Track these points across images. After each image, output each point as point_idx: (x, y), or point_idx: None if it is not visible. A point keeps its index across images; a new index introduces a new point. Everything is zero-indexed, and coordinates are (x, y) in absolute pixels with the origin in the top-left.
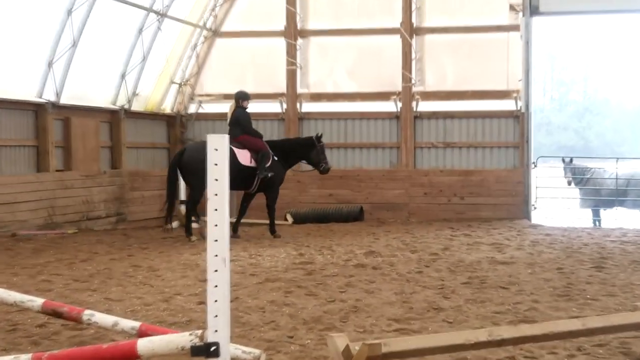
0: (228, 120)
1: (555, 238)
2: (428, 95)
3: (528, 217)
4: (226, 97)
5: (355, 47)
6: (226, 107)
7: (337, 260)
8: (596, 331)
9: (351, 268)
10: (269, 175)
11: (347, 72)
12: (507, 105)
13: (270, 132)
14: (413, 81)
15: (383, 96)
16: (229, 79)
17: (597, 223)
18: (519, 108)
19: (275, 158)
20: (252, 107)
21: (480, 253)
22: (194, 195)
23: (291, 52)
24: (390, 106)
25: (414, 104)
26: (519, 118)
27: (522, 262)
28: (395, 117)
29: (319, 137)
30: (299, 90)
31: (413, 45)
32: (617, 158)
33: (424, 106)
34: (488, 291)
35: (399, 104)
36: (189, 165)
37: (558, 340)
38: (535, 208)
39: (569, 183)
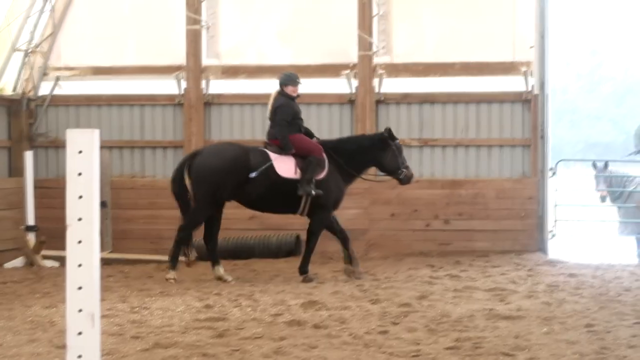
0: (268, 113)
1: (582, 280)
2: (397, 69)
3: (543, 249)
4: (96, 71)
5: None
6: (96, 87)
7: (261, 315)
8: None
9: (282, 327)
10: (313, 192)
11: (279, 35)
12: (513, 83)
13: (163, 124)
14: (375, 48)
15: (330, 70)
16: (100, 46)
17: None
18: (530, 88)
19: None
20: (135, 87)
21: (473, 303)
22: (196, 216)
23: (194, 4)
24: (341, 85)
25: (376, 81)
26: (530, 103)
27: (534, 316)
28: (348, 101)
29: (391, 133)
30: (206, 61)
31: None
32: None
33: (392, 85)
34: (485, 359)
35: (354, 82)
36: (200, 174)
37: None
38: (554, 235)
39: (603, 199)
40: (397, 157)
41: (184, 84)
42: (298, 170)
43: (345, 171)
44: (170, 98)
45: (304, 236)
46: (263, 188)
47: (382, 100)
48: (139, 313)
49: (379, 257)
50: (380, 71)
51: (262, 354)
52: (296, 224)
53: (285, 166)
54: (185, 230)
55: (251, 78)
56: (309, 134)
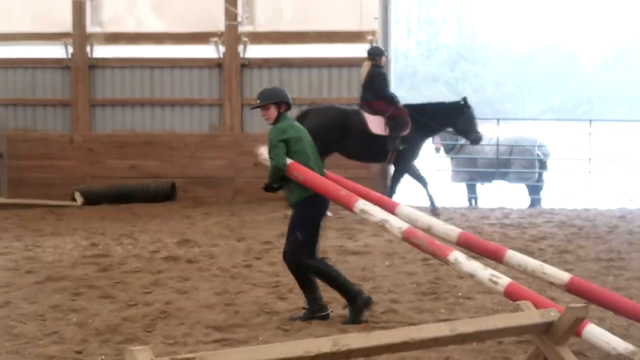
0: (362, 81)
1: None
2: (259, 37)
3: (387, 195)
4: None
5: None
6: None
7: (140, 252)
8: (469, 337)
9: (159, 262)
10: (400, 147)
11: (154, 6)
12: (360, 50)
13: (52, 85)
14: (239, 18)
15: (200, 38)
16: None
17: (472, 201)
18: None
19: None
20: (25, 51)
21: (325, 240)
22: None
23: None
24: (209, 51)
25: (240, 48)
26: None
27: (378, 251)
28: (216, 65)
29: (467, 102)
30: (90, 29)
31: None
32: (499, 119)
33: (254, 51)
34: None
35: (222, 48)
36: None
37: (422, 349)
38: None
39: (437, 150)
40: (470, 122)
41: (70, 50)
42: (387, 128)
43: (425, 129)
44: (58, 62)
45: (179, 183)
46: (360, 142)
47: (247, 65)
48: (32, 250)
49: (244, 202)
50: (245, 39)
51: (141, 286)
52: (171, 172)
53: (376, 124)
54: None
55: (130, 44)
56: (394, 101)
